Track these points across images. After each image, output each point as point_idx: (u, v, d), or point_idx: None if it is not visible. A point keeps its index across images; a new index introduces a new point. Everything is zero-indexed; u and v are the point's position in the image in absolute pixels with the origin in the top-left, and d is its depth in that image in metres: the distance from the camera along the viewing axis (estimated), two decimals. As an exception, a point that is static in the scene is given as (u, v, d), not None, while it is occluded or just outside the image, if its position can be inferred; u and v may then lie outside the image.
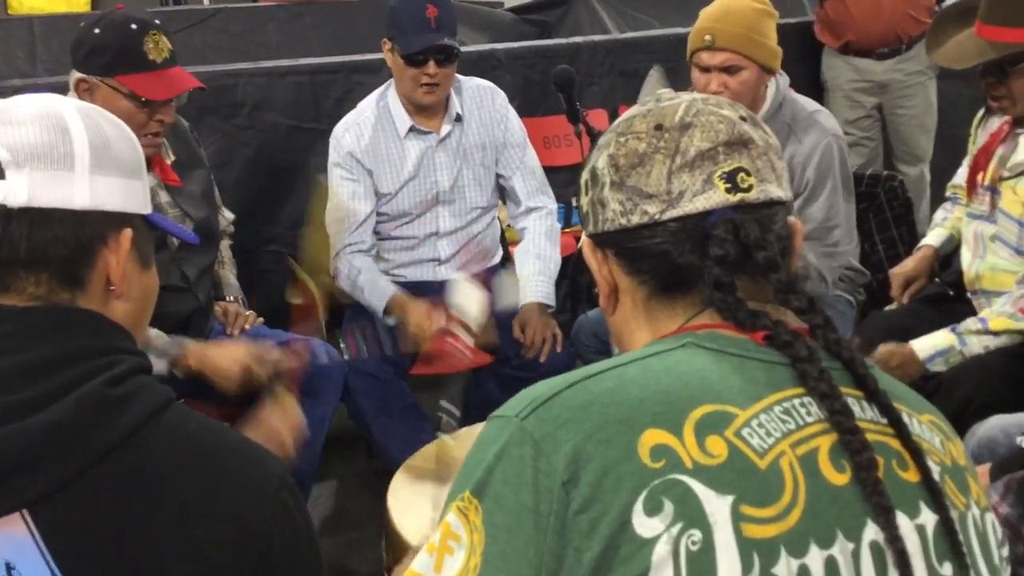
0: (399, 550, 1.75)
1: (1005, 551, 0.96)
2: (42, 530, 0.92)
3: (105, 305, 1.08)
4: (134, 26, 2.25)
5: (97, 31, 2.25)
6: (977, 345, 2.26)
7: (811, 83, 4.07)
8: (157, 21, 2.30)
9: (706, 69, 2.45)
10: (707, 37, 2.43)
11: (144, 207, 1.13)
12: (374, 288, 2.74)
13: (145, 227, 1.14)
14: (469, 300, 2.51)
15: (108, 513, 0.95)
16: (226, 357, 2.22)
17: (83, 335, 1.03)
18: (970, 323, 2.28)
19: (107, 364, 1.00)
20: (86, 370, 0.98)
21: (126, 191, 1.09)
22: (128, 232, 1.09)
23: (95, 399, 0.96)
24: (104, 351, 1.02)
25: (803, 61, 4.10)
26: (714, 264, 0.93)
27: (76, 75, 2.26)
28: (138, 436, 0.97)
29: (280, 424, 1.72)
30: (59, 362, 0.98)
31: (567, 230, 3.44)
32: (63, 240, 1.04)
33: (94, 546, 0.94)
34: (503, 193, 2.99)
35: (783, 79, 2.59)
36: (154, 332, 2.14)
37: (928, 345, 2.29)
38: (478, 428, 0.92)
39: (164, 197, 2.39)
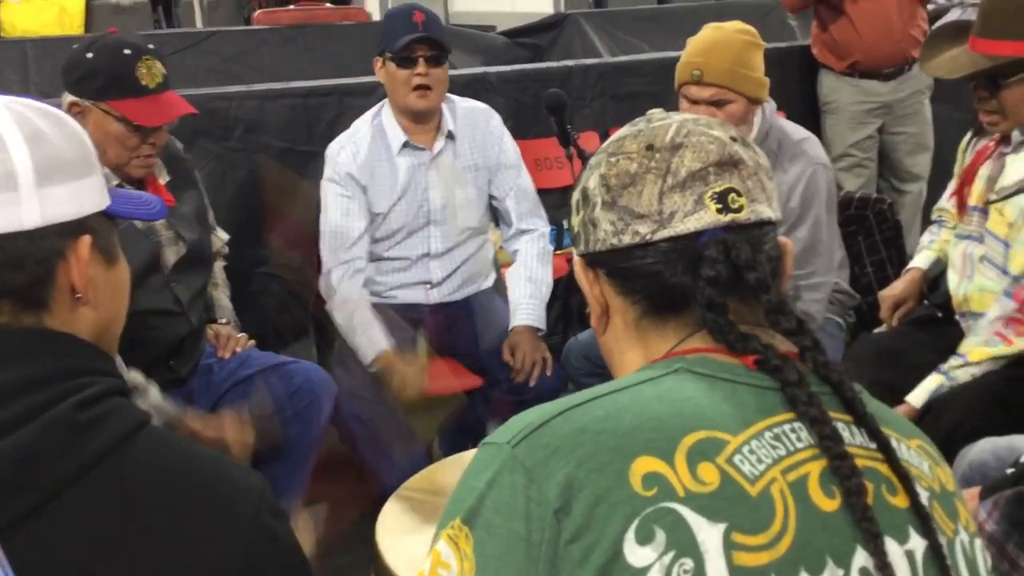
0: None
1: (994, 576, 0.97)
2: (8, 557, 0.87)
3: (73, 313, 1.01)
4: (127, 51, 2.24)
5: (90, 55, 2.24)
6: (964, 376, 2.27)
7: (808, 106, 4.08)
8: (151, 46, 2.29)
9: (695, 102, 2.48)
10: (695, 72, 2.46)
11: (101, 202, 1.05)
12: (368, 336, 2.70)
13: (105, 222, 1.06)
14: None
15: (77, 540, 0.91)
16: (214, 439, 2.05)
17: (53, 357, 0.98)
18: (953, 361, 2.29)
19: (77, 387, 0.95)
20: (55, 393, 0.94)
21: (79, 195, 1.01)
22: (86, 239, 1.01)
23: (63, 423, 0.92)
24: (75, 373, 0.97)
25: (800, 84, 4.12)
26: (706, 285, 0.93)
27: (68, 98, 2.26)
28: (108, 461, 0.93)
29: None
30: (28, 386, 0.94)
31: (559, 252, 3.45)
32: (17, 265, 0.97)
33: (62, 574, 0.91)
34: (496, 215, 3.00)
35: (770, 106, 2.61)
36: (154, 392, 2.02)
37: (922, 393, 2.29)
38: (469, 454, 0.91)
39: (159, 217, 2.38)
